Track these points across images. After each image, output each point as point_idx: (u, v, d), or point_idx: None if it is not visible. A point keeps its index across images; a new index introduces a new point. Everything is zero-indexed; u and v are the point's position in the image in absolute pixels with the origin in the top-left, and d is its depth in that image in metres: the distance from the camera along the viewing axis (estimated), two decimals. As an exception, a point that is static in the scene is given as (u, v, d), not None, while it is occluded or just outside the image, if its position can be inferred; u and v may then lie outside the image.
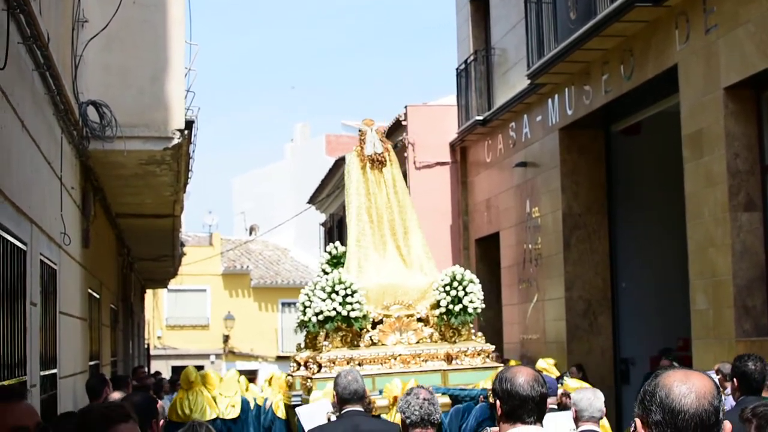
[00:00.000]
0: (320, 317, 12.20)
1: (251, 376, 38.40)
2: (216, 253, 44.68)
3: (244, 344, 44.46)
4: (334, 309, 12.08)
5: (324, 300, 12.15)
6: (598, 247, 18.18)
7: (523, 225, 20.17)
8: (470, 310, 12.61)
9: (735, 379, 7.47)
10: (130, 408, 4.53)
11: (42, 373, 8.26)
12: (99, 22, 10.49)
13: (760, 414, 5.19)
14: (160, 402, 8.00)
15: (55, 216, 9.23)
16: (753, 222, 12.65)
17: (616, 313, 18.17)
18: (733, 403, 7.57)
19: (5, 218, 6.51)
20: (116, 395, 8.27)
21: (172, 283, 35.41)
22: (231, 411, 14.74)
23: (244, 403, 15.05)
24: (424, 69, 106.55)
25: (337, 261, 13.65)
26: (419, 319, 12.69)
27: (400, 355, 12.26)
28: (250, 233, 50.68)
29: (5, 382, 6.35)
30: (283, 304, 44.62)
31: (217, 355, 44.31)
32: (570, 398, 8.45)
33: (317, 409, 9.81)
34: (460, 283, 12.65)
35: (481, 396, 11.08)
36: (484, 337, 13.15)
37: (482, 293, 12.91)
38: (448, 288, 12.60)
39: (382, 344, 12.40)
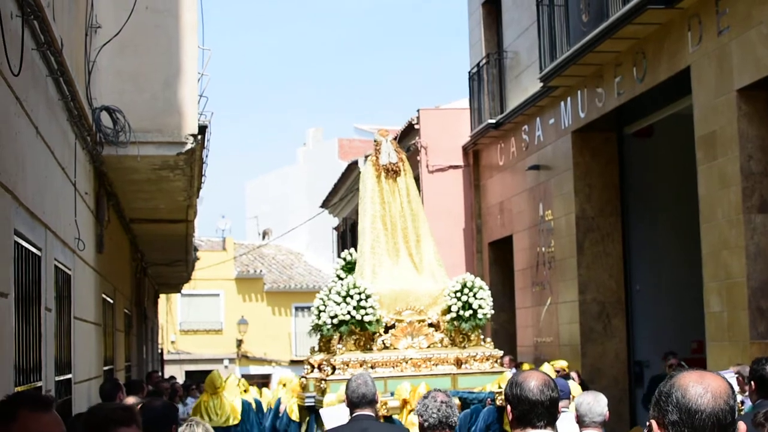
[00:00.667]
0: (335, 321, 12.50)
1: (264, 380, 38.43)
2: (229, 258, 44.72)
3: (258, 348, 44.48)
4: (349, 313, 12.38)
5: (339, 304, 12.46)
6: (612, 250, 18.15)
7: (536, 228, 20.14)
8: (480, 316, 12.85)
9: (753, 382, 7.44)
10: (137, 412, 4.55)
11: (57, 379, 8.29)
12: (112, 27, 10.51)
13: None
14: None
15: (69, 221, 9.26)
16: (767, 224, 12.62)
17: (630, 316, 18.14)
18: (752, 405, 7.56)
19: (20, 224, 6.53)
20: (130, 400, 8.30)
21: (186, 288, 35.48)
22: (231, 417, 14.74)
23: (245, 404, 15.05)
24: (436, 73, 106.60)
25: (351, 267, 13.93)
26: (430, 324, 12.98)
27: (411, 358, 12.53)
28: (263, 237, 50.72)
29: (20, 388, 6.37)
30: (297, 308, 44.64)
31: (231, 360, 44.32)
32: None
33: (340, 412, 9.87)
34: (470, 289, 12.90)
35: (489, 399, 11.35)
36: (492, 343, 13.42)
37: (492, 299, 13.12)
38: (458, 294, 12.86)
39: (395, 348, 12.68)
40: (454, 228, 24.28)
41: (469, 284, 12.94)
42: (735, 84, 12.75)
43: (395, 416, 11.08)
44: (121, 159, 11.15)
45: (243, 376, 29.73)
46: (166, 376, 26.80)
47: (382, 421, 9.61)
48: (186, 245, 20.61)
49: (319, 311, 13.09)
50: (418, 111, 24.67)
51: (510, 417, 4.27)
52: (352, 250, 14.46)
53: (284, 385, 15.56)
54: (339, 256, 14.82)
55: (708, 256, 13.56)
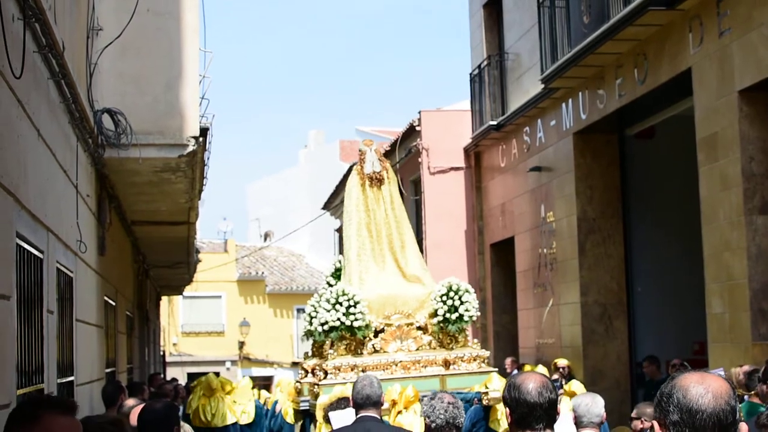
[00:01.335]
0: (326, 327, 12.95)
1: (266, 382, 38.41)
2: (231, 260, 44.73)
3: (260, 350, 44.49)
4: (339, 319, 12.83)
5: (329, 311, 12.91)
6: (613, 252, 18.15)
7: (537, 229, 20.15)
8: (466, 318, 13.32)
9: (766, 386, 7.47)
10: (127, 424, 4.57)
11: (59, 381, 8.29)
12: (113, 30, 10.52)
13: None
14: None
15: (71, 224, 9.26)
16: (768, 225, 12.62)
17: (632, 318, 18.14)
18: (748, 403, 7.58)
19: (22, 226, 6.53)
20: (131, 402, 8.31)
21: (188, 290, 35.46)
22: (245, 417, 15.03)
23: (258, 408, 15.36)
24: (437, 75, 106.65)
25: (342, 274, 14.32)
26: (418, 328, 13.42)
27: (401, 361, 12.99)
28: (265, 239, 50.74)
29: (22, 390, 6.38)
30: (299, 310, 44.60)
31: (233, 362, 44.34)
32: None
33: (347, 415, 9.96)
34: (456, 293, 13.34)
35: (476, 398, 11.84)
36: (479, 344, 13.94)
37: (477, 302, 13.62)
38: (444, 298, 13.30)
39: (384, 352, 13.14)
40: (455, 230, 24.29)
41: (454, 288, 13.38)
42: (736, 85, 12.75)
43: (384, 418, 11.28)
44: (123, 161, 11.14)
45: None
46: (168, 378, 26.79)
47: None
48: (188, 247, 20.61)
49: (311, 318, 13.57)
50: (419, 113, 24.68)
51: (509, 420, 4.27)
52: (341, 257, 14.85)
53: (279, 386, 15.93)
54: (341, 255, 15.15)
55: (709, 257, 13.56)
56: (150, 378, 19.86)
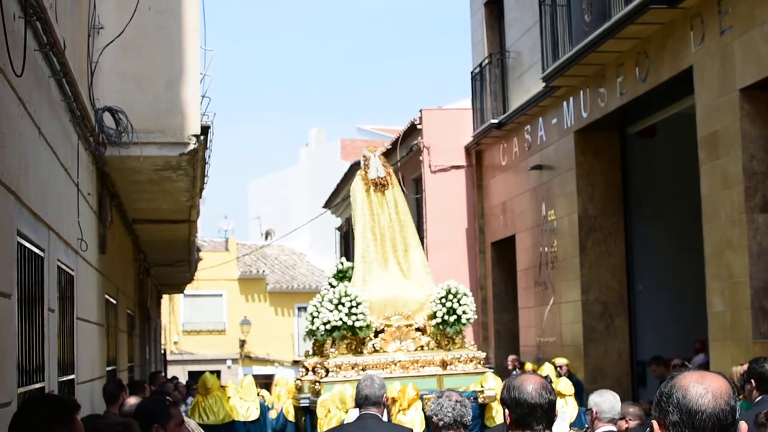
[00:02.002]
0: (328, 326, 13.39)
1: (267, 381, 38.42)
2: (232, 258, 44.72)
3: (261, 349, 44.48)
4: (341, 319, 13.25)
5: (331, 311, 13.33)
6: (614, 250, 18.15)
7: (539, 228, 20.15)
8: (463, 321, 13.77)
9: (753, 381, 7.51)
10: (135, 425, 4.57)
11: (60, 379, 8.29)
12: (114, 28, 10.51)
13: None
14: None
15: (72, 222, 9.26)
16: (769, 223, 12.62)
17: (633, 316, 18.14)
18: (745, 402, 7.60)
19: (23, 224, 6.53)
20: (132, 400, 8.30)
21: (189, 289, 35.47)
22: (251, 414, 15.15)
23: (263, 406, 15.50)
24: (439, 73, 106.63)
25: (343, 275, 14.79)
26: (417, 329, 13.87)
27: (400, 361, 13.40)
28: (266, 238, 50.72)
29: (23, 389, 6.38)
30: (299, 309, 44.59)
31: (234, 360, 44.34)
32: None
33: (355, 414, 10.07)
34: (454, 295, 13.80)
35: (471, 397, 12.13)
36: (476, 345, 14.66)
37: (475, 305, 14.10)
38: (443, 300, 13.75)
39: (384, 351, 13.57)
40: (456, 228, 24.29)
41: (453, 291, 13.82)
42: (737, 84, 12.75)
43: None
44: (124, 160, 11.14)
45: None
46: (169, 376, 26.79)
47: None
48: (189, 246, 20.60)
49: (313, 317, 13.99)
50: (420, 111, 24.68)
51: (508, 420, 4.27)
52: (343, 259, 15.47)
53: (277, 385, 16.06)
54: (341, 257, 15.56)
55: (710, 255, 13.56)
56: (151, 376, 19.85)
